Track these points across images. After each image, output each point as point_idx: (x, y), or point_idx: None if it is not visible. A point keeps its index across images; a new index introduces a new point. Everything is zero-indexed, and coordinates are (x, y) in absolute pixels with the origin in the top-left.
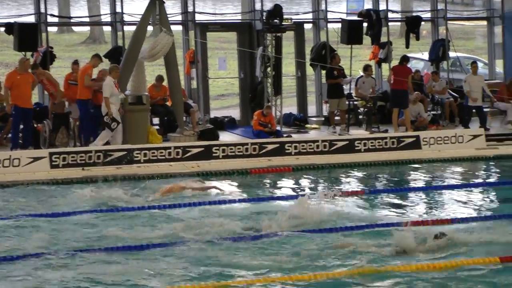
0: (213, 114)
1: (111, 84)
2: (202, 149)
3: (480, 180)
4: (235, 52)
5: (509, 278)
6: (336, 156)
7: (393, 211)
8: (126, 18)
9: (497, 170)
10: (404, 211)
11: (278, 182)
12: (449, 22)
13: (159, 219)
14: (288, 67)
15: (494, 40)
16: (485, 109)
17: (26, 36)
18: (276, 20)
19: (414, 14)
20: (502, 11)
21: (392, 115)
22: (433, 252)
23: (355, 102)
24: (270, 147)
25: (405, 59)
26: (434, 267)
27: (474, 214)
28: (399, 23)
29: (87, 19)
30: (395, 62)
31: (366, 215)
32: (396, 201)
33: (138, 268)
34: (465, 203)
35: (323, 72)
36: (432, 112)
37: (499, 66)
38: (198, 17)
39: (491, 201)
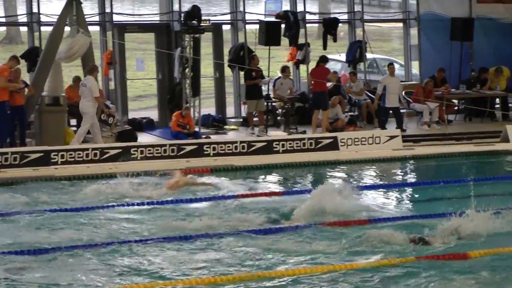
0: (131, 115)
1: (96, 83)
2: (120, 150)
3: (397, 181)
4: (153, 53)
5: (428, 276)
6: (254, 157)
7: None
8: (43, 18)
9: (414, 170)
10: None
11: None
12: (366, 24)
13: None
14: (207, 68)
15: (410, 42)
16: (401, 110)
17: None
18: (194, 21)
19: (332, 16)
20: (417, 13)
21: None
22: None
23: (273, 103)
24: (188, 148)
25: (322, 60)
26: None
27: (392, 214)
28: (316, 25)
29: (3, 19)
30: (313, 64)
31: None
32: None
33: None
34: (383, 203)
35: (242, 73)
36: (350, 113)
37: (415, 68)
38: (116, 18)
39: (408, 201)
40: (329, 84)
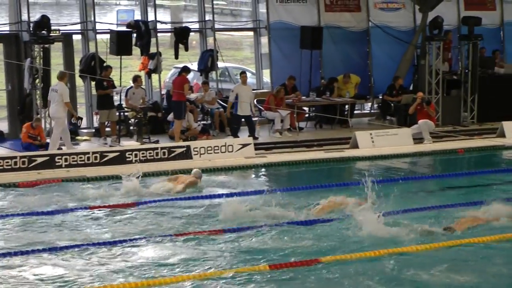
0: None
1: (66, 88)
2: None
3: (251, 188)
4: (2, 64)
5: (279, 285)
6: (107, 168)
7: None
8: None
9: (266, 178)
10: (170, 224)
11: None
12: (217, 32)
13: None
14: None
15: (261, 50)
16: (254, 119)
17: None
18: (43, 31)
19: (183, 25)
20: (267, 22)
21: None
22: None
23: (126, 113)
24: (39, 159)
25: (184, 70)
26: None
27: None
28: (168, 34)
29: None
30: (165, 73)
31: None
32: (160, 210)
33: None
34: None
35: (93, 83)
36: (202, 122)
37: (266, 76)
38: None
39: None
40: (193, 96)
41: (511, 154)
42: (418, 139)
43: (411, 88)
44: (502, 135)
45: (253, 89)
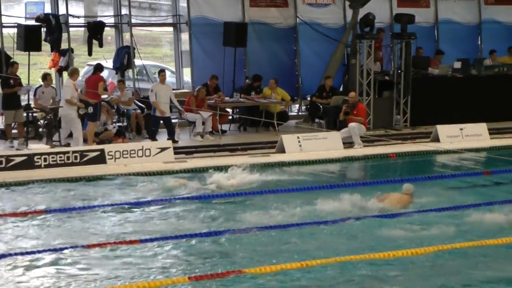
0: None
1: (72, 86)
2: None
3: (166, 196)
4: None
5: None
6: (13, 173)
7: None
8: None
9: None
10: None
11: None
12: (134, 28)
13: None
14: None
15: (181, 48)
16: (173, 120)
17: None
18: None
19: (98, 19)
20: (188, 17)
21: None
22: None
23: (35, 114)
24: None
25: (98, 68)
26: None
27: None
28: (82, 29)
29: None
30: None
31: None
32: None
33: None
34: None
35: None
36: (118, 124)
37: (187, 75)
38: None
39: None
40: (104, 97)
41: (445, 159)
42: (348, 143)
43: (341, 89)
44: (436, 139)
45: (173, 89)
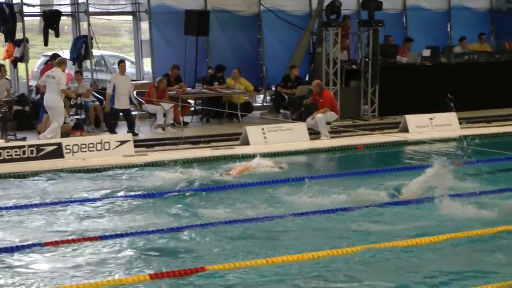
0: None
1: (64, 76)
2: None
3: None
4: None
5: None
6: None
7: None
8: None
9: (145, 179)
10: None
11: None
12: (92, 16)
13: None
14: None
15: (141, 37)
16: (133, 112)
17: None
18: None
19: (54, 8)
20: (148, 5)
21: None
22: None
23: None
24: None
25: (55, 58)
26: None
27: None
28: (37, 18)
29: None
30: (33, 62)
31: None
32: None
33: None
34: (124, 215)
35: None
36: (76, 117)
37: (147, 65)
38: None
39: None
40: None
41: (414, 150)
42: (315, 134)
43: (307, 78)
44: (405, 129)
45: (132, 80)
